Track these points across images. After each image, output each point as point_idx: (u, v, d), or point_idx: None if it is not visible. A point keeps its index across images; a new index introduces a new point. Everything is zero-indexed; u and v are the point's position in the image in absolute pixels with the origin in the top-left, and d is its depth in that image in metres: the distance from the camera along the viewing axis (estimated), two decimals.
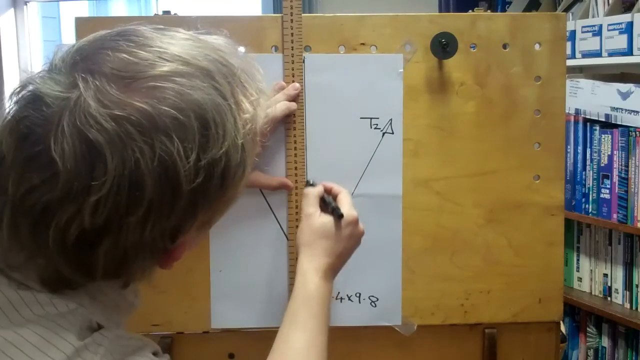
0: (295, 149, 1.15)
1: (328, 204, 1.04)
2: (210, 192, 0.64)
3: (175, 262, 0.69)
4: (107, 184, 0.58)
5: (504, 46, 1.18)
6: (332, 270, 0.98)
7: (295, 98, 1.13)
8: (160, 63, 0.62)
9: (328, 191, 1.07)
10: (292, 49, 1.14)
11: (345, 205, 1.02)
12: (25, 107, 0.61)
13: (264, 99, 0.71)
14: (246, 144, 0.66)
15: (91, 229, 0.59)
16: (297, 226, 1.15)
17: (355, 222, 1.01)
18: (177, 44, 0.65)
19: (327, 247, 0.98)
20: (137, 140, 0.58)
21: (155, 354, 0.70)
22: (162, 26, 0.68)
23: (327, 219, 1.01)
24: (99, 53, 0.62)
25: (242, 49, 1.13)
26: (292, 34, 1.13)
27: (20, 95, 0.62)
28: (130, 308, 0.73)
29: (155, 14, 1.23)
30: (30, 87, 0.62)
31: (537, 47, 1.18)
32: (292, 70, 1.14)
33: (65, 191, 0.58)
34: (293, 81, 1.14)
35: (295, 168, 1.15)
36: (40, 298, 0.64)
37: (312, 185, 1.09)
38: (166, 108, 0.60)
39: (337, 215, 1.00)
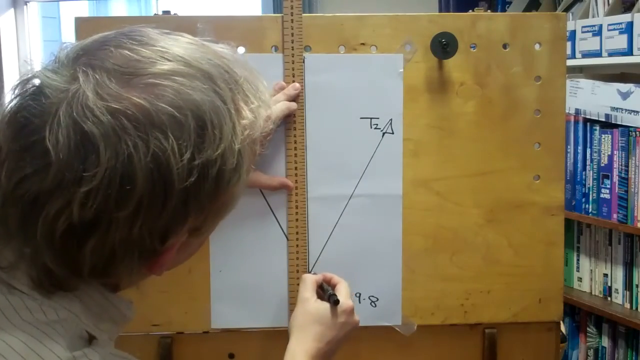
0: (295, 149, 1.15)
1: (325, 290, 1.06)
2: (203, 194, 0.63)
3: (165, 268, 0.68)
4: (98, 176, 0.58)
5: (504, 46, 1.18)
6: (321, 355, 0.99)
7: (295, 98, 1.13)
8: (161, 62, 0.62)
9: (327, 281, 1.09)
10: (292, 49, 1.14)
11: (343, 294, 1.04)
12: (25, 99, 0.61)
13: (265, 109, 0.70)
14: (243, 150, 0.66)
15: (80, 222, 0.59)
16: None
17: (350, 311, 1.03)
18: (181, 46, 0.65)
19: (318, 332, 1.00)
20: (132, 134, 0.58)
21: None
22: (168, 30, 0.68)
23: (323, 305, 1.03)
24: (102, 49, 0.63)
25: (242, 49, 1.14)
26: (292, 34, 1.13)
27: (23, 89, 0.62)
28: (123, 319, 0.72)
29: (155, 14, 1.23)
30: (33, 81, 0.62)
31: (537, 47, 1.18)
32: (292, 70, 1.14)
33: (56, 182, 0.58)
34: (293, 81, 1.14)
35: (295, 168, 1.15)
36: (30, 304, 0.63)
37: (313, 274, 1.12)
38: (163, 105, 0.60)
39: (333, 301, 1.02)
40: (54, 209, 0.59)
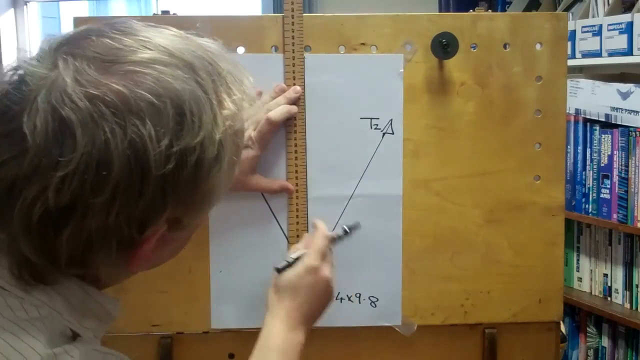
0: (295, 152, 1.15)
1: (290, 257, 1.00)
2: (181, 182, 0.63)
3: (148, 264, 0.68)
4: (74, 161, 0.58)
5: (505, 46, 1.17)
6: (296, 323, 0.95)
7: (295, 101, 1.13)
8: (142, 50, 0.63)
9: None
10: (293, 49, 1.14)
11: (310, 253, 0.99)
12: (7, 87, 0.62)
13: (249, 102, 0.70)
14: (225, 140, 0.65)
15: (56, 208, 0.59)
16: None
17: (313, 270, 0.97)
18: (164, 37, 0.66)
19: (287, 300, 0.96)
20: (110, 120, 0.58)
21: None
22: (153, 23, 0.68)
23: (290, 273, 0.98)
24: (84, 38, 0.63)
25: (241, 49, 1.14)
26: (292, 34, 1.13)
27: (6, 79, 0.63)
28: (107, 317, 0.72)
29: (155, 14, 1.23)
30: (18, 71, 0.63)
31: (537, 47, 1.18)
32: (293, 70, 1.14)
33: (33, 167, 0.58)
34: (294, 82, 1.13)
35: (296, 171, 1.15)
36: (11, 301, 0.63)
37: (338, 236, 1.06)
38: (142, 92, 0.60)
39: (287, 265, 0.98)
40: (30, 194, 0.59)
